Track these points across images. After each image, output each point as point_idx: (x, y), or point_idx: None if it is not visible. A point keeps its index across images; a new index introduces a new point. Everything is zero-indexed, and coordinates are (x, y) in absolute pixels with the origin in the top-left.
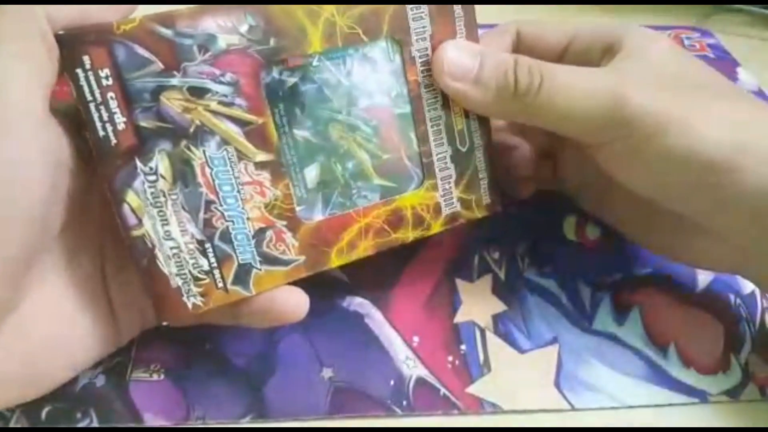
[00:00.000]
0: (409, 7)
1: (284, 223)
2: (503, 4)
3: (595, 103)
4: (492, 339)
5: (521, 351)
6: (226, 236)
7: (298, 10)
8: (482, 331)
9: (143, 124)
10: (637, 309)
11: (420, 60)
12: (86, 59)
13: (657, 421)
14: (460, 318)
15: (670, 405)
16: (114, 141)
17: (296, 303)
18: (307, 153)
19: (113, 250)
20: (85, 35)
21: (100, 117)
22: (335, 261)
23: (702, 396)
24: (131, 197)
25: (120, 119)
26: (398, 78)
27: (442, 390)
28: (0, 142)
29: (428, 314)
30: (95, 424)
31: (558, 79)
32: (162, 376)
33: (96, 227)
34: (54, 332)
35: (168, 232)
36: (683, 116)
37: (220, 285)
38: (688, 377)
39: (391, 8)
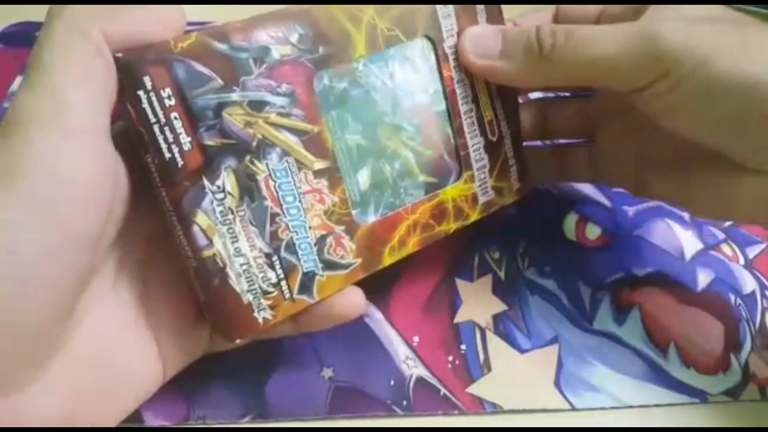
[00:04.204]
0: (438, 6)
1: (342, 228)
2: (507, 4)
3: (627, 45)
4: (492, 339)
5: (521, 351)
6: (291, 247)
7: (341, 15)
8: (482, 331)
9: (208, 142)
10: (637, 309)
11: (451, 56)
12: (147, 80)
13: (657, 421)
14: (460, 318)
15: (670, 405)
16: (181, 162)
17: (353, 301)
18: (358, 157)
19: (157, 279)
20: (144, 55)
21: (165, 139)
22: (387, 260)
23: (702, 396)
24: (201, 218)
25: (185, 139)
26: (434, 75)
27: (442, 390)
28: (66, 162)
29: (428, 314)
30: None
31: (583, 31)
32: None
33: (139, 253)
34: (102, 365)
35: (238, 249)
36: (723, 45)
37: (287, 296)
38: (688, 377)
39: (423, 8)
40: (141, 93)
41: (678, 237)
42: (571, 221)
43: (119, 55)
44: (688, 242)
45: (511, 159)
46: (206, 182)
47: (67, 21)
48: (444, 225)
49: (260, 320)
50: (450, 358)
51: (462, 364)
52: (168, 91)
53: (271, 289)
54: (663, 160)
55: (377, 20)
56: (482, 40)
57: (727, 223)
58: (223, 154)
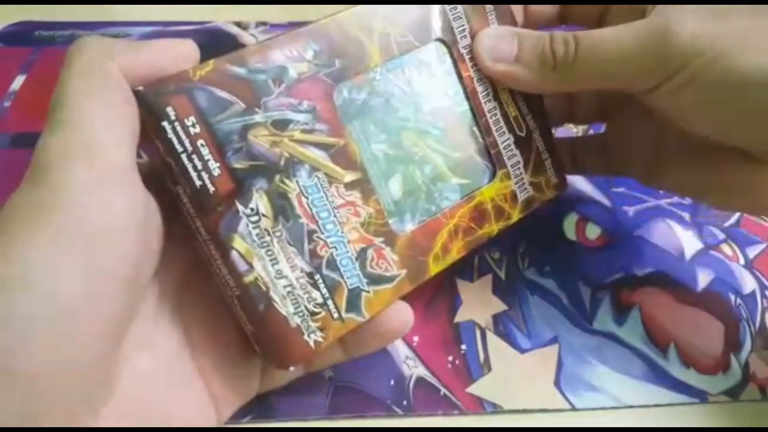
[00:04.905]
0: (448, 8)
1: (381, 239)
2: (513, 4)
3: (638, 42)
4: (492, 339)
5: (521, 351)
6: (332, 263)
7: (354, 27)
8: (482, 331)
9: (237, 165)
10: (637, 309)
11: (467, 56)
12: (170, 110)
13: (657, 421)
14: (460, 318)
15: (670, 405)
16: (212, 189)
17: (401, 317)
18: (387, 165)
19: (198, 313)
20: (164, 86)
21: (194, 167)
22: (433, 269)
23: (702, 396)
24: (238, 243)
25: (214, 165)
26: (453, 77)
27: (442, 390)
28: (99, 203)
29: (428, 314)
30: None
31: (593, 37)
32: None
33: (176, 288)
34: (149, 409)
35: (279, 271)
36: (742, 37)
37: (336, 315)
38: (688, 377)
39: (434, 12)
40: (165, 124)
41: (678, 237)
42: (571, 221)
43: (140, 89)
44: (688, 242)
45: (543, 153)
46: (239, 206)
47: (87, 60)
48: (486, 227)
49: (311, 343)
50: (450, 358)
51: (462, 364)
52: (192, 119)
53: (317, 309)
54: (681, 152)
55: (389, 29)
56: (497, 44)
57: (727, 223)
58: (253, 176)
